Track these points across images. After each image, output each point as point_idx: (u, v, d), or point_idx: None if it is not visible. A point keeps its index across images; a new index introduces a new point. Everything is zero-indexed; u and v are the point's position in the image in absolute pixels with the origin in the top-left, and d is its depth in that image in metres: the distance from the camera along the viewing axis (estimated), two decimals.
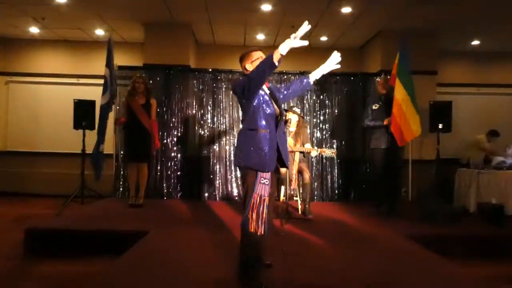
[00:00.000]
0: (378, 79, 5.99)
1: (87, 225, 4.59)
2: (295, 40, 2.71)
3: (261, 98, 2.99)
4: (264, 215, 2.83)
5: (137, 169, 5.94)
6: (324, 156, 5.36)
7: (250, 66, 3.10)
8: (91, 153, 6.30)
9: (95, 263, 3.90)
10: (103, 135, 6.30)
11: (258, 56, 3.10)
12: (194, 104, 7.20)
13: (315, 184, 6.92)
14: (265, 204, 2.85)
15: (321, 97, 7.35)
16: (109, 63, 6.35)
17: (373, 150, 5.78)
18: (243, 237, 2.90)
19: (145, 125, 5.83)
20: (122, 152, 6.78)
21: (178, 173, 7.06)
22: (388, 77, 5.83)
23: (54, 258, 4.09)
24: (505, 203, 5.55)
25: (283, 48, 2.73)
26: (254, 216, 2.83)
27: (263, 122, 2.93)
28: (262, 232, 2.83)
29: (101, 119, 6.30)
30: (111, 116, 6.50)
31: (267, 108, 2.98)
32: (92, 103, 6.81)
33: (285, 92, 3.30)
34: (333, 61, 3.29)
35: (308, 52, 8.32)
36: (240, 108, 7.20)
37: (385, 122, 5.46)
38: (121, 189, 6.90)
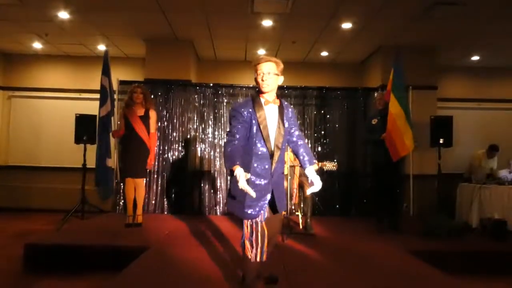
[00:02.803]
0: (376, 95, 6.02)
1: (87, 240, 4.56)
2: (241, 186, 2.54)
3: (253, 135, 2.73)
4: (259, 243, 2.70)
5: (134, 185, 5.48)
6: (325, 170, 5.34)
7: (255, 76, 2.81)
8: (96, 169, 6.17)
9: (95, 279, 3.87)
10: (107, 149, 6.18)
11: (260, 72, 2.75)
12: (195, 118, 7.22)
13: (316, 198, 6.89)
14: (258, 230, 2.70)
15: (322, 111, 7.36)
16: (106, 72, 6.26)
17: (373, 164, 5.77)
18: (243, 259, 2.83)
19: (142, 138, 5.40)
20: (119, 167, 6.65)
21: (179, 187, 7.04)
22: (384, 91, 5.87)
23: (54, 274, 4.06)
24: (507, 218, 5.52)
25: (239, 180, 2.54)
26: (248, 245, 2.73)
27: (250, 162, 2.72)
28: (258, 260, 2.72)
29: (104, 131, 6.15)
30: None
31: (254, 144, 2.73)
32: (93, 117, 6.82)
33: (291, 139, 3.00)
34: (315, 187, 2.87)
35: (309, 67, 8.42)
36: None
37: (383, 137, 5.46)
38: (121, 204, 6.87)
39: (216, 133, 7.22)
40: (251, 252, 2.72)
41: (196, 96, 7.27)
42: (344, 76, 8.43)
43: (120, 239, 4.70)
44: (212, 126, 7.24)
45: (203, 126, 7.23)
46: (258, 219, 2.72)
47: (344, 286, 3.38)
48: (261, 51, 7.88)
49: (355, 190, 7.20)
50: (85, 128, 6.75)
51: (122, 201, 6.84)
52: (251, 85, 7.31)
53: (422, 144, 6.57)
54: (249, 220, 2.73)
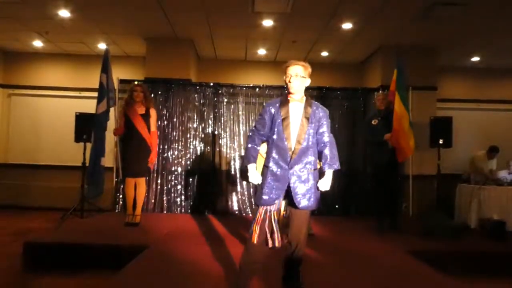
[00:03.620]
0: (376, 95, 6.02)
1: (86, 239, 4.56)
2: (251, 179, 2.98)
3: (275, 129, 2.93)
4: (267, 229, 2.82)
5: (134, 185, 5.43)
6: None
7: (284, 78, 2.98)
8: (88, 167, 6.09)
9: (94, 278, 3.88)
10: (102, 147, 6.15)
11: (288, 74, 2.93)
12: (195, 117, 7.22)
13: None
14: (270, 218, 2.85)
15: None
16: (105, 70, 6.14)
17: (374, 164, 5.78)
18: (245, 245, 2.95)
19: (143, 137, 5.35)
20: (120, 166, 6.52)
21: (179, 187, 7.05)
22: (386, 92, 5.88)
23: (53, 272, 4.05)
24: (506, 219, 5.53)
25: (249, 175, 2.98)
26: (258, 229, 2.83)
27: (271, 153, 2.92)
28: (260, 243, 2.83)
29: (100, 129, 6.09)
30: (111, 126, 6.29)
31: (276, 137, 2.92)
32: (93, 116, 6.80)
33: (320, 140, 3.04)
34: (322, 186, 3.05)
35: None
36: (241, 123, 7.26)
37: (386, 137, 5.46)
38: (120, 202, 6.86)
39: (216, 132, 7.22)
40: (257, 236, 2.82)
41: (196, 95, 7.27)
42: (344, 76, 8.44)
43: (120, 238, 4.70)
44: (212, 125, 7.24)
45: (203, 125, 7.23)
46: (272, 208, 2.86)
47: (344, 286, 3.38)
48: (262, 51, 7.88)
49: (354, 190, 7.20)
50: (85, 126, 6.73)
51: (122, 199, 6.82)
52: (251, 85, 7.33)
53: (421, 145, 6.59)
54: (263, 207, 2.86)
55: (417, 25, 6.34)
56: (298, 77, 2.91)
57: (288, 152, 2.87)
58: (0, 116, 8.31)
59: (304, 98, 2.99)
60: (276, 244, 2.82)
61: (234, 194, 7.11)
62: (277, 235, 2.83)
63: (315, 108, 2.98)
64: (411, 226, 5.79)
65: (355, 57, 8.24)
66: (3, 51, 8.30)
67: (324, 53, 7.95)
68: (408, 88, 6.64)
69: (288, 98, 2.97)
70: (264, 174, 2.93)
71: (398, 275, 3.66)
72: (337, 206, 7.16)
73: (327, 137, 3.01)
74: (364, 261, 4.14)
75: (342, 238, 5.26)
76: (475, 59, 8.00)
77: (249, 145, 3.00)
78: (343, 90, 7.50)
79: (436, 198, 6.59)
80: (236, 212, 6.98)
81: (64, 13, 6.16)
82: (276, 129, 2.91)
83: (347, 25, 6.44)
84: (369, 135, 5.71)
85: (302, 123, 2.91)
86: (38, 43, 7.73)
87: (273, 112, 2.95)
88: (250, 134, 3.05)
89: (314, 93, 7.33)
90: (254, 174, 2.95)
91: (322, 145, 3.01)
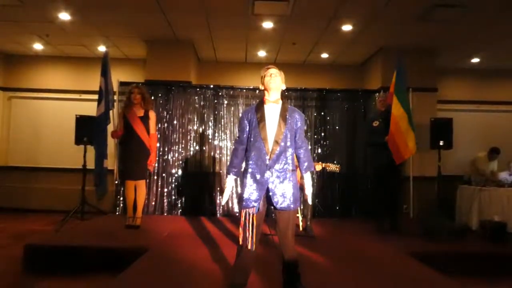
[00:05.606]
0: (377, 96, 6.02)
1: (86, 241, 4.55)
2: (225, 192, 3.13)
3: (252, 131, 3.02)
4: (249, 232, 2.87)
5: (134, 187, 5.39)
6: (327, 171, 5.35)
7: (262, 79, 3.09)
8: (93, 169, 6.08)
9: (95, 280, 3.87)
10: (104, 149, 6.11)
11: (262, 74, 3.09)
12: (196, 120, 7.22)
13: (316, 200, 6.89)
14: (249, 221, 2.89)
15: (322, 113, 7.36)
16: (105, 74, 6.10)
17: (374, 166, 5.77)
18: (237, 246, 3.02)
19: (142, 139, 5.32)
20: (119, 168, 6.49)
21: (179, 189, 7.05)
22: (387, 93, 5.89)
23: (53, 275, 4.05)
24: (507, 220, 5.51)
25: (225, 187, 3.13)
26: (241, 230, 2.89)
27: (250, 155, 2.98)
28: (248, 247, 2.87)
29: (99, 132, 6.06)
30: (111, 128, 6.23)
31: (253, 139, 2.99)
32: (93, 118, 6.78)
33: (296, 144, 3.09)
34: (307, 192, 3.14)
35: (309, 69, 8.43)
36: None
37: (387, 139, 5.45)
38: (121, 205, 6.86)
39: (216, 134, 7.22)
40: (241, 237, 2.89)
41: (196, 97, 7.27)
42: (344, 78, 8.44)
43: (120, 240, 4.70)
44: (212, 127, 7.24)
45: (203, 127, 7.22)
46: (251, 211, 2.90)
47: (344, 287, 3.38)
48: (262, 53, 7.88)
49: (355, 192, 7.20)
50: (85, 129, 6.73)
51: (122, 203, 6.81)
52: (251, 87, 7.32)
53: (422, 146, 6.57)
54: (244, 210, 2.92)
55: (417, 27, 6.35)
56: (278, 75, 3.04)
57: (266, 153, 2.93)
58: (1, 119, 8.32)
59: (280, 101, 3.07)
60: (249, 247, 2.86)
61: (234, 195, 7.10)
62: (251, 239, 2.86)
63: (291, 111, 3.07)
64: (411, 228, 5.78)
65: (355, 59, 8.25)
66: (4, 54, 8.31)
67: (324, 55, 7.95)
68: (409, 89, 6.65)
69: (264, 100, 3.06)
70: (244, 176, 2.98)
71: (399, 276, 3.65)
72: (337, 208, 7.15)
73: (302, 141, 3.08)
74: (364, 262, 4.13)
75: (343, 240, 5.25)
76: (475, 60, 8.01)
77: (232, 157, 3.11)
78: (343, 91, 7.49)
79: (437, 199, 6.58)
80: (237, 214, 6.97)
81: (64, 16, 6.18)
82: (253, 132, 2.99)
83: (347, 27, 6.44)
84: (370, 137, 5.71)
85: (279, 124, 2.97)
86: (38, 46, 7.74)
87: (249, 117, 3.05)
88: (235, 147, 3.12)
89: (314, 95, 7.34)
90: (230, 187, 3.08)
91: (299, 149, 3.08)
